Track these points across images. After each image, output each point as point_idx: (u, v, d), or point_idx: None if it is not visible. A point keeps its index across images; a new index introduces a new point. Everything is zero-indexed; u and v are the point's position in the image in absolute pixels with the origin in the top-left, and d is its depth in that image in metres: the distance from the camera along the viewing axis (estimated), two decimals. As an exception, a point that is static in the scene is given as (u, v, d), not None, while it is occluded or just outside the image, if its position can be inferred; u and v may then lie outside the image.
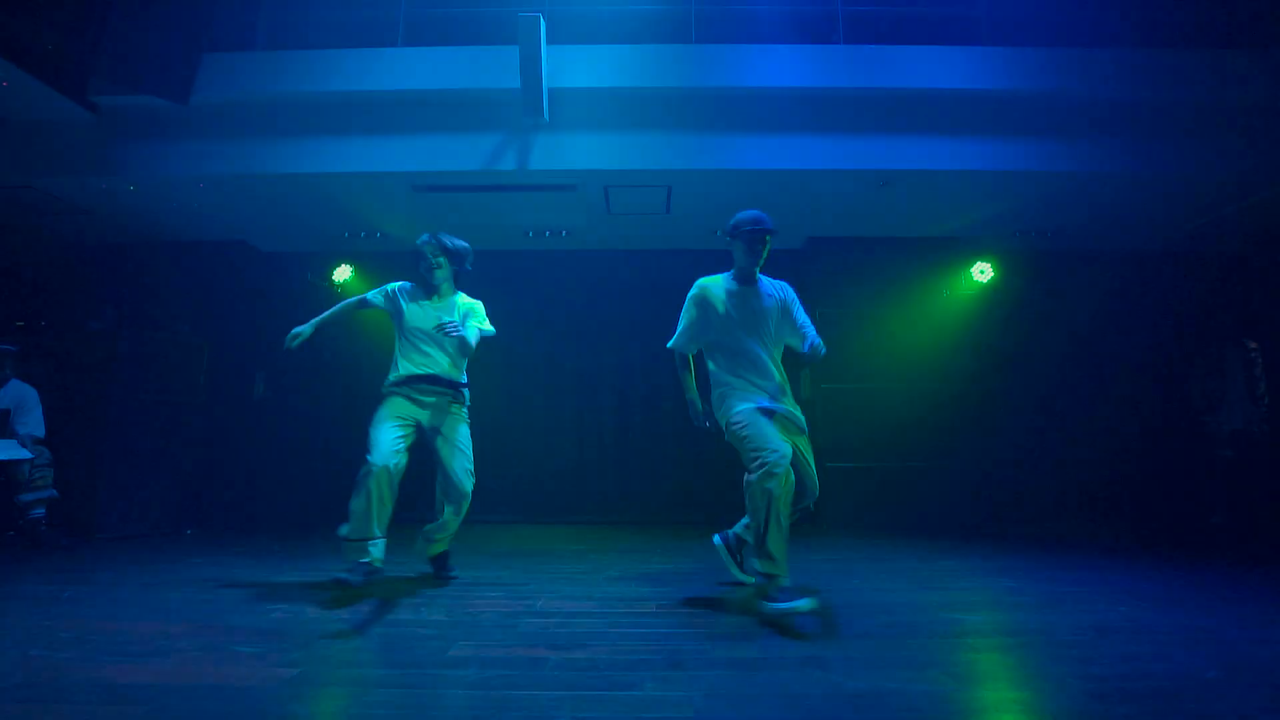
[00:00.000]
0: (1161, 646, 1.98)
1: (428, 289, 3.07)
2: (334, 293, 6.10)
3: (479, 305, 3.12)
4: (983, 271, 5.87)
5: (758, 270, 2.77)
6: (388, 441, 2.77)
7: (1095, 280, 6.00)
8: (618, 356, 6.13)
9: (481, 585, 2.98)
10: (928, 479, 5.53)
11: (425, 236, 3.06)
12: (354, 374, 5.99)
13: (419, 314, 3.02)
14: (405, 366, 2.95)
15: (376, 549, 2.75)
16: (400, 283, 3.11)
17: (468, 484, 2.92)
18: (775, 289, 2.80)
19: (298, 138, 4.59)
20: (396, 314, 3.04)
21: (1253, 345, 5.21)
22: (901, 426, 5.58)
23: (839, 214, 5.34)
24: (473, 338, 2.92)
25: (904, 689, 1.62)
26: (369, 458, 2.73)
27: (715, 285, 2.77)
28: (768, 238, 2.71)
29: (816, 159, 4.56)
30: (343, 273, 6.05)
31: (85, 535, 4.48)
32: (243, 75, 4.47)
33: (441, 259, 3.02)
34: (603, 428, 6.09)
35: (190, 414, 5.31)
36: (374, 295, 3.09)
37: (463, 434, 2.98)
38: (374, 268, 6.10)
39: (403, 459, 2.80)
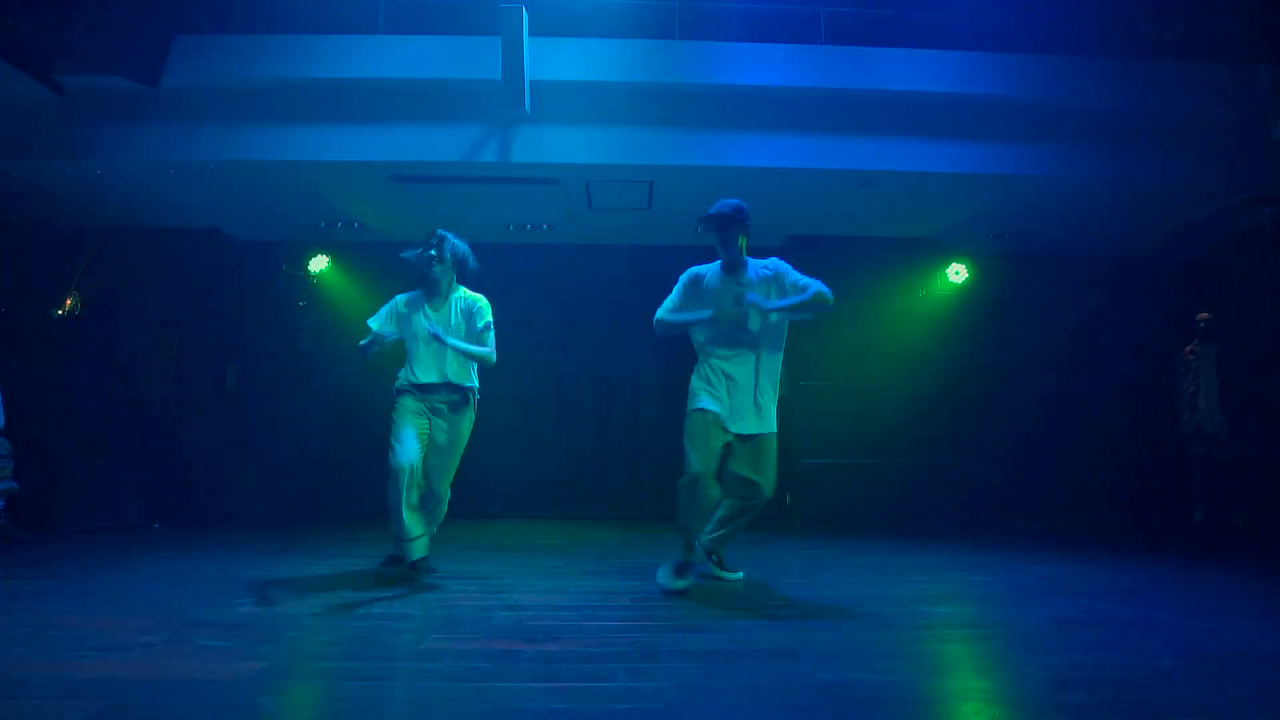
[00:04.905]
0: (1119, 637, 2.04)
1: (428, 289, 3.02)
2: (310, 283, 6.01)
3: (481, 301, 3.04)
4: (957, 273, 5.98)
5: (743, 256, 2.80)
6: (409, 440, 2.83)
7: (1067, 283, 6.15)
8: (598, 351, 6.13)
9: (456, 578, 2.96)
10: (900, 476, 5.62)
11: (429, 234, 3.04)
12: (328, 366, 5.92)
13: (419, 320, 2.99)
14: (408, 374, 2.97)
15: (419, 546, 2.86)
16: (401, 296, 3.08)
17: (435, 481, 2.90)
18: (764, 268, 2.83)
19: (273, 124, 4.49)
20: (404, 325, 3.03)
21: (1189, 349, 5.27)
22: (875, 424, 5.65)
23: (819, 213, 5.39)
24: (455, 346, 2.86)
25: (871, 679, 1.65)
26: (392, 459, 2.77)
27: (704, 270, 2.86)
28: (729, 227, 2.74)
29: (797, 158, 4.61)
30: (319, 263, 5.95)
31: (47, 529, 4.36)
32: (216, 58, 4.37)
33: (445, 253, 2.97)
34: (582, 423, 6.08)
35: (158, 405, 5.19)
36: (382, 325, 2.99)
37: (454, 438, 2.94)
38: (351, 258, 6.01)
39: (421, 453, 2.87)
